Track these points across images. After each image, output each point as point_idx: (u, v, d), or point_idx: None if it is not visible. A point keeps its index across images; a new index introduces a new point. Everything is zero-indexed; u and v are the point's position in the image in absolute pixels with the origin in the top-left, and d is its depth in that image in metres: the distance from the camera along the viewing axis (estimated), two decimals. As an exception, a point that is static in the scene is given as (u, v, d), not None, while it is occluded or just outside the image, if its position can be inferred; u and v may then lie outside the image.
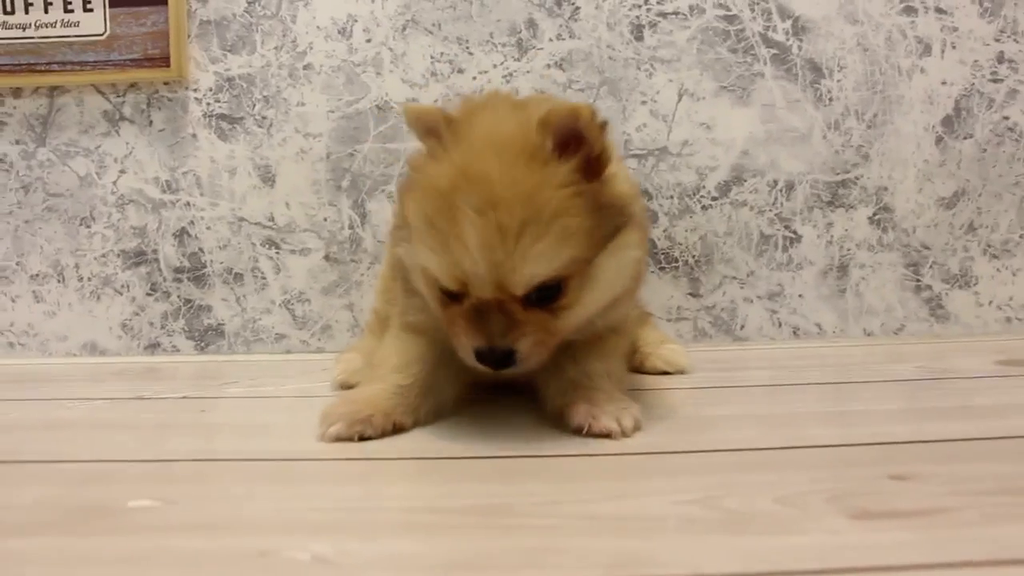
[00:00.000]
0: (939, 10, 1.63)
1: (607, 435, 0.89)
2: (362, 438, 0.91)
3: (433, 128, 0.93)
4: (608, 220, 0.92)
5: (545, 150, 0.88)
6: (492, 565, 0.57)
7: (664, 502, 0.69)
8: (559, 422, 0.95)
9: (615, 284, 0.96)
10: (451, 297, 0.92)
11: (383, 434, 0.93)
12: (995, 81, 1.63)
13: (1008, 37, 1.63)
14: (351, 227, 1.66)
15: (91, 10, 1.65)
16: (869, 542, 0.59)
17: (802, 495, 0.69)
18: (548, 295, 0.89)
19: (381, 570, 0.57)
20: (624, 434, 0.89)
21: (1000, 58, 1.63)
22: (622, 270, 0.96)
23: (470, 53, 1.64)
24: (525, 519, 0.66)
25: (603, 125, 0.92)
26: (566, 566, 0.56)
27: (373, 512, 0.70)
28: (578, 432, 0.90)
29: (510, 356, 0.88)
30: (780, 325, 1.66)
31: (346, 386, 1.20)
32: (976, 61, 1.63)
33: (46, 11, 1.65)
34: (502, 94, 1.03)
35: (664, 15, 1.63)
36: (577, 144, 0.89)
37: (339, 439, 0.90)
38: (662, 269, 1.65)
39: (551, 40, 1.63)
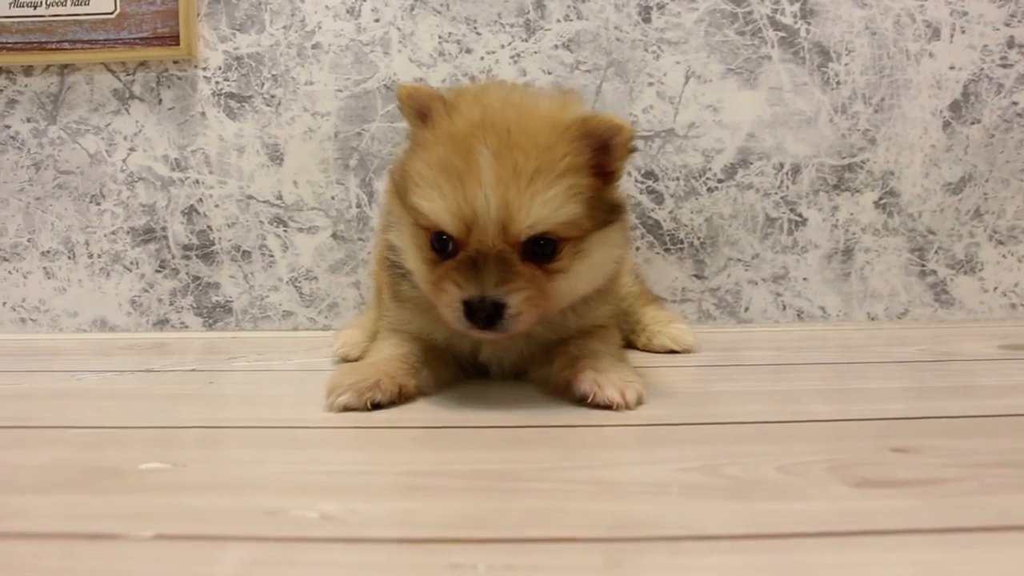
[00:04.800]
0: (948, -6, 1.63)
1: (610, 406, 0.90)
2: (374, 405, 0.92)
3: (426, 107, 0.98)
4: (604, 209, 0.98)
5: (571, 136, 0.94)
6: (495, 524, 0.58)
7: (668, 470, 0.70)
8: (563, 395, 0.96)
9: (601, 268, 1.01)
10: (443, 253, 0.94)
11: (392, 399, 0.94)
12: (1004, 66, 1.63)
13: (1019, 22, 1.63)
14: (359, 205, 1.67)
15: (102, -13, 1.66)
16: (870, 508, 0.60)
17: (804, 465, 0.70)
18: (544, 252, 0.93)
19: (387, 527, 0.58)
20: (627, 406, 0.90)
21: (1010, 43, 1.63)
22: (607, 258, 1.01)
23: (478, 33, 1.64)
24: (529, 483, 0.67)
25: (632, 150, 0.99)
26: (570, 526, 0.57)
27: (379, 475, 0.71)
28: (583, 400, 0.91)
29: (500, 310, 0.90)
30: (784, 308, 1.66)
31: (346, 360, 1.22)
32: (986, 46, 1.63)
33: (57, -12, 1.66)
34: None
35: (673, -3, 1.64)
36: (604, 152, 0.96)
37: (348, 409, 0.91)
38: (667, 251, 1.66)
39: (559, 21, 1.64)
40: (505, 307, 0.90)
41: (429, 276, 0.96)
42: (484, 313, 0.89)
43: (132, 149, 1.69)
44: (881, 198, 1.65)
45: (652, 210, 1.65)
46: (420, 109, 0.99)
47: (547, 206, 0.90)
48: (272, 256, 1.69)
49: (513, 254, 0.91)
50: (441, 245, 0.95)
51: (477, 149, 0.90)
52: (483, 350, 1.08)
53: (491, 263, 0.90)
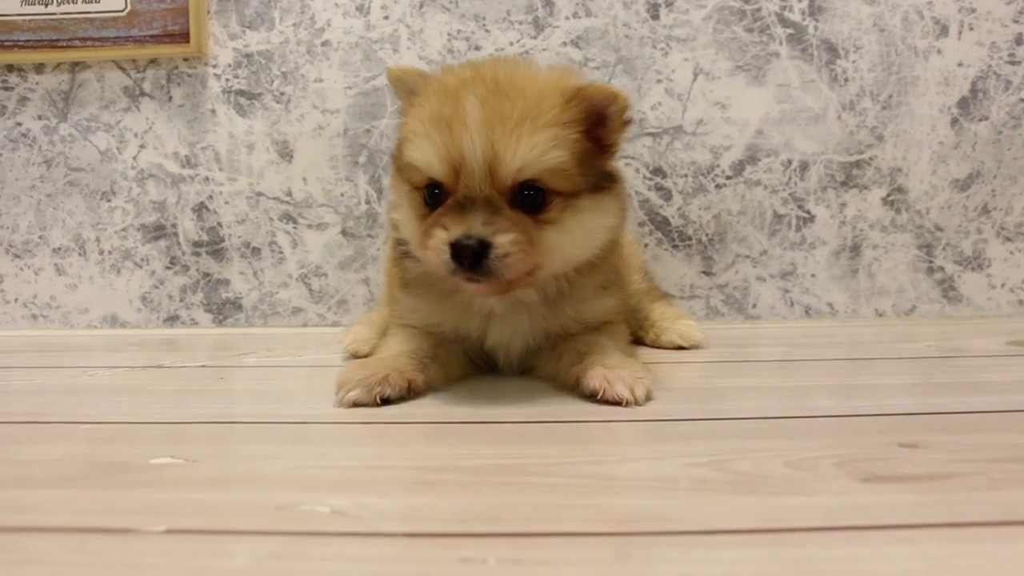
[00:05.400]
0: (957, -9, 1.63)
1: (619, 402, 0.90)
2: (383, 400, 0.92)
3: (416, 85, 1.02)
4: (596, 169, 0.99)
5: (564, 97, 0.95)
6: (505, 518, 0.58)
7: (676, 465, 0.70)
8: (572, 391, 0.97)
9: (593, 232, 1.00)
10: (433, 203, 0.95)
11: (401, 394, 0.94)
12: (1013, 63, 1.63)
13: (1026, 18, 1.63)
14: (368, 202, 1.68)
15: (112, -15, 1.66)
16: (877, 503, 0.60)
17: (812, 460, 0.70)
18: (533, 202, 0.94)
19: (398, 522, 0.58)
20: (636, 403, 0.90)
21: (1019, 39, 1.63)
22: (600, 224, 1.00)
23: (487, 30, 1.65)
24: (538, 478, 0.68)
25: (627, 122, 1.00)
26: (579, 520, 0.58)
27: (389, 470, 0.72)
28: (592, 397, 0.92)
29: (486, 250, 0.89)
30: (792, 304, 1.66)
31: (356, 356, 1.22)
32: (994, 43, 1.63)
33: (68, -15, 1.67)
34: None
35: (681, -6, 1.64)
36: (600, 124, 0.98)
37: (358, 404, 0.91)
38: (675, 247, 1.66)
39: (567, 18, 1.64)
40: (491, 247, 0.89)
41: (420, 228, 0.96)
42: (469, 251, 0.89)
43: (143, 146, 1.70)
44: (889, 195, 1.65)
45: (660, 207, 1.65)
46: (410, 87, 1.02)
47: (534, 150, 0.91)
48: (282, 253, 1.70)
49: (501, 200, 0.92)
50: (433, 199, 0.96)
51: (465, 98, 0.92)
52: (490, 334, 1.08)
53: (479, 205, 0.91)
